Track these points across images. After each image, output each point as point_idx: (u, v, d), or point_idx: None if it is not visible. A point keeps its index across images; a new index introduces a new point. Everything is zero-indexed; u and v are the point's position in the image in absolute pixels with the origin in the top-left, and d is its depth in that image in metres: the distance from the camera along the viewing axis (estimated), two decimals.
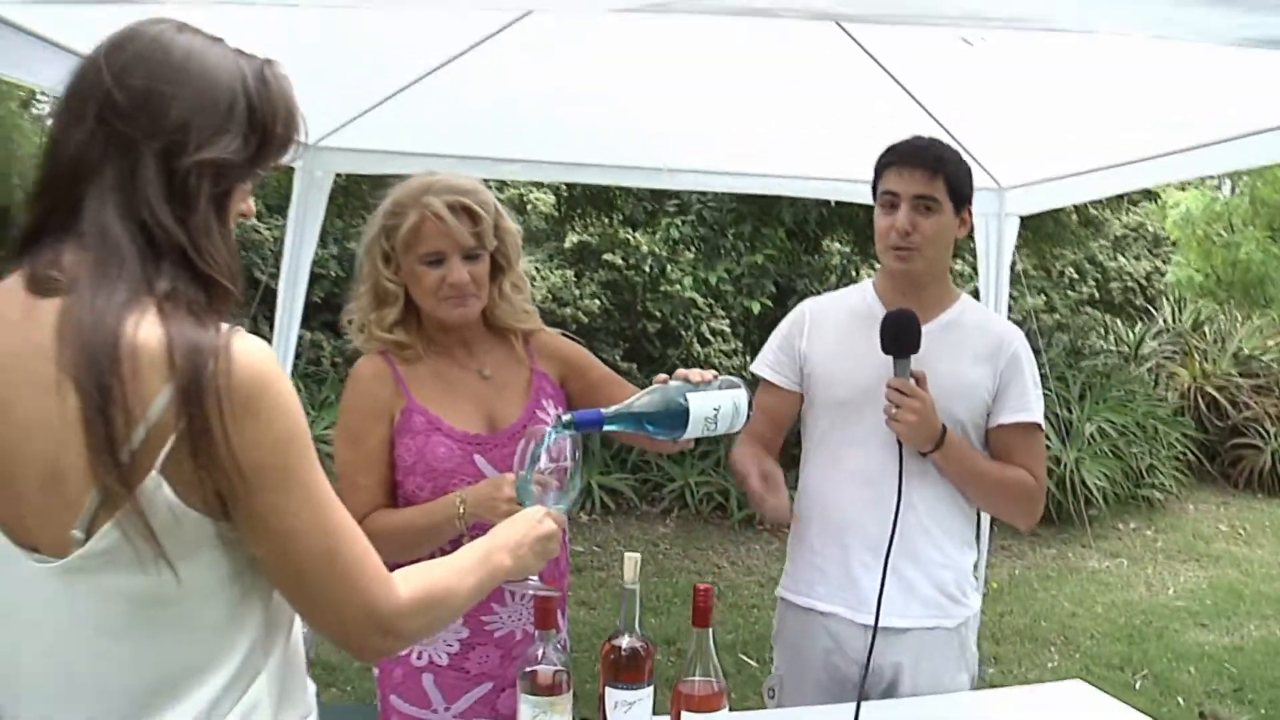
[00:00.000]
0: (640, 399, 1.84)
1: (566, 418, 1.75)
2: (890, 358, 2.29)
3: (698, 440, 1.94)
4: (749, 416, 1.92)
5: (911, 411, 2.24)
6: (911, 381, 2.27)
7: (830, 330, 2.52)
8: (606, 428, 1.80)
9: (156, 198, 1.18)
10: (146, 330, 1.13)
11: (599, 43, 3.43)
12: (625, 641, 1.83)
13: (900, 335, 2.28)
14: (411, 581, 1.34)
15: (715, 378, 1.88)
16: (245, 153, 1.24)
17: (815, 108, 4.05)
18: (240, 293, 1.25)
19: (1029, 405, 2.40)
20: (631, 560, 1.84)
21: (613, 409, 1.82)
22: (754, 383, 2.64)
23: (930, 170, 2.33)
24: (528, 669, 1.80)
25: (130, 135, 1.18)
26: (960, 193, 2.37)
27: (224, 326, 1.18)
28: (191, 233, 1.20)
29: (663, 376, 1.87)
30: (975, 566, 2.60)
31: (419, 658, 2.16)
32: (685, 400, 1.81)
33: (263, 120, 1.26)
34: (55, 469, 1.13)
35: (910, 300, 2.38)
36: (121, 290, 1.14)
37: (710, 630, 1.86)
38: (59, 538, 1.15)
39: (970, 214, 2.43)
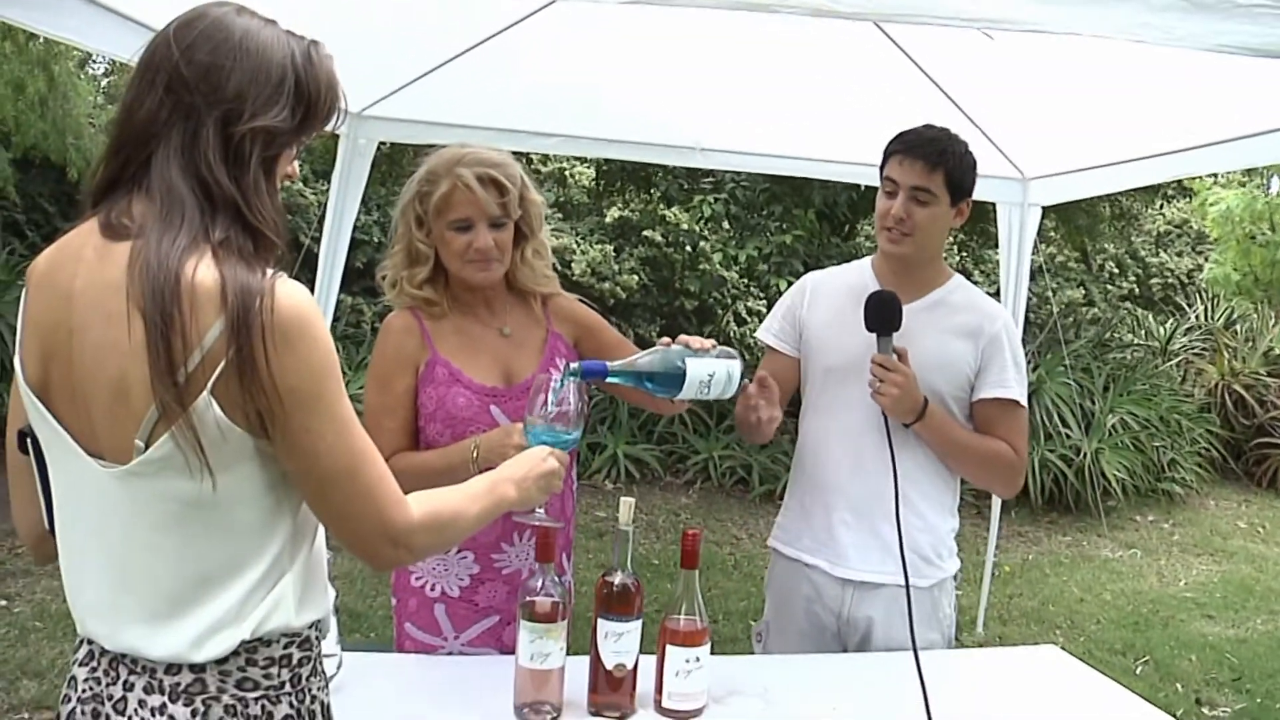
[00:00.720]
0: (643, 357, 2.01)
1: (574, 366, 1.93)
2: (875, 335, 2.44)
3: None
4: (742, 386, 2.09)
5: (894, 385, 2.39)
6: (894, 357, 2.42)
7: (827, 301, 2.68)
8: (610, 379, 1.98)
9: (215, 158, 1.35)
10: (204, 271, 1.29)
11: (635, 22, 3.55)
12: (618, 578, 1.99)
13: (882, 313, 2.43)
14: (423, 503, 1.50)
15: (714, 347, 2.06)
16: (292, 122, 1.41)
17: (844, 94, 4.16)
18: (285, 244, 1.42)
19: (1007, 382, 2.53)
20: (626, 504, 2.01)
21: (617, 363, 2.00)
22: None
23: (930, 163, 2.46)
24: (527, 598, 1.97)
25: (193, 103, 1.35)
26: (959, 186, 2.50)
27: (269, 271, 1.34)
28: (244, 190, 1.37)
29: (666, 340, 2.05)
30: (987, 550, 2.71)
31: (433, 589, 2.35)
32: (683, 364, 1.98)
33: (308, 94, 1.42)
34: (121, 387, 1.31)
35: (902, 279, 2.53)
36: (183, 237, 1.30)
37: (696, 572, 2.03)
38: (122, 447, 1.33)
39: (969, 205, 2.56)
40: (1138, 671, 5.39)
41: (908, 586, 2.33)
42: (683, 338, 2.04)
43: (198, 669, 1.38)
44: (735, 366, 2.06)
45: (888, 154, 2.55)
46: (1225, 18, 1.95)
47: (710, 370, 2.01)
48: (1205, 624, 6.17)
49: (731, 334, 11.22)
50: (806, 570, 2.60)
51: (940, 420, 2.48)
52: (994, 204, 5.09)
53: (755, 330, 12.55)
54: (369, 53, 3.87)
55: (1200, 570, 7.20)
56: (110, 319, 1.30)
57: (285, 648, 1.45)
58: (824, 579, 2.58)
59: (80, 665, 1.46)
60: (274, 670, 1.43)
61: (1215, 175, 10.94)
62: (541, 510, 1.94)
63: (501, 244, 2.29)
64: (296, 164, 1.50)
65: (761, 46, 3.76)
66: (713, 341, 2.07)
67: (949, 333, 2.54)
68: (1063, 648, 2.71)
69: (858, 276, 2.66)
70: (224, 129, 1.36)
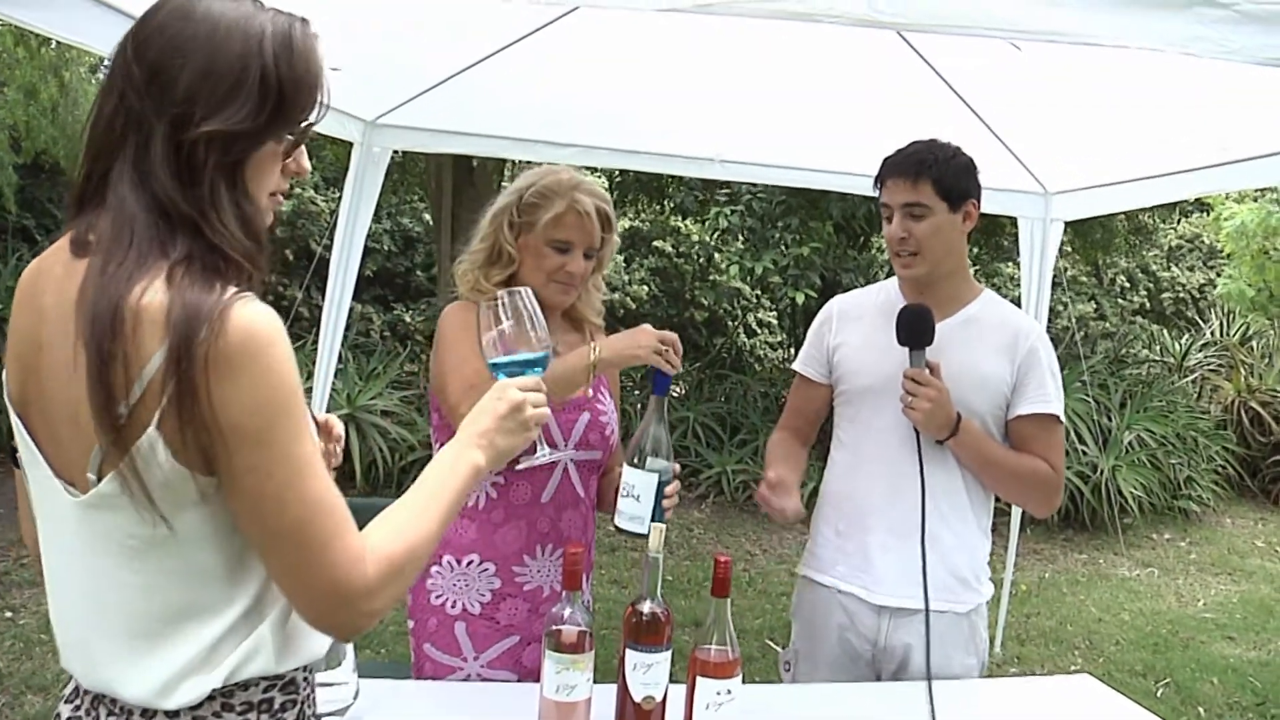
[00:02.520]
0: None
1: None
2: (907, 349, 2.39)
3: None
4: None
5: (926, 400, 2.34)
6: (926, 371, 2.36)
7: (857, 324, 2.64)
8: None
9: (165, 172, 1.23)
10: (151, 295, 1.18)
11: (655, 32, 3.50)
12: (646, 606, 1.92)
13: (914, 328, 2.38)
14: (379, 553, 1.30)
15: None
16: (257, 120, 1.26)
17: (866, 106, 4.10)
18: (263, 259, 1.30)
19: (1047, 397, 2.47)
20: (657, 530, 1.94)
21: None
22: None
23: (911, 177, 2.43)
24: (553, 627, 1.90)
25: (143, 110, 1.23)
26: (952, 190, 2.44)
27: (231, 291, 1.22)
28: (199, 204, 1.24)
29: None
30: (1005, 568, 2.66)
31: (453, 606, 2.31)
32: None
33: (277, 85, 1.27)
34: (75, 413, 1.22)
35: (929, 297, 2.48)
36: (131, 259, 1.20)
37: (729, 601, 1.95)
38: (82, 475, 1.25)
39: (976, 207, 2.50)
40: (1159, 694, 5.30)
41: (927, 610, 2.29)
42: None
43: (172, 714, 1.29)
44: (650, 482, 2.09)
45: (877, 181, 2.53)
46: (1277, 32, 1.89)
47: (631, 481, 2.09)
48: (1226, 646, 6.08)
49: (742, 345, 11.19)
50: (840, 598, 2.54)
51: (975, 436, 2.42)
52: (1013, 218, 5.03)
53: (764, 342, 12.61)
54: (384, 61, 3.83)
55: (1219, 590, 7.11)
56: (66, 341, 1.21)
57: (265, 691, 1.34)
58: (859, 606, 2.51)
59: (66, 702, 1.38)
60: (252, 716, 1.33)
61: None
62: (544, 450, 1.83)
63: (585, 273, 2.37)
64: (306, 161, 1.41)
65: (782, 57, 3.70)
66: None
67: (982, 350, 2.49)
68: (1082, 669, 2.63)
69: (885, 296, 2.62)
70: (175, 137, 1.23)
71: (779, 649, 5.35)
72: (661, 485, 2.08)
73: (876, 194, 2.55)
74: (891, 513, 2.47)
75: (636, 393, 8.39)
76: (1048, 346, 2.54)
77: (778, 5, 1.78)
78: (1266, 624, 6.47)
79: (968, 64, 3.70)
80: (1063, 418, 2.52)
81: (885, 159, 2.52)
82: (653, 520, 2.05)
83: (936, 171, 2.42)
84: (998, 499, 2.58)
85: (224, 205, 1.26)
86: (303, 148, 1.39)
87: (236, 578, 1.30)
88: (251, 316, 1.21)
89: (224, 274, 1.24)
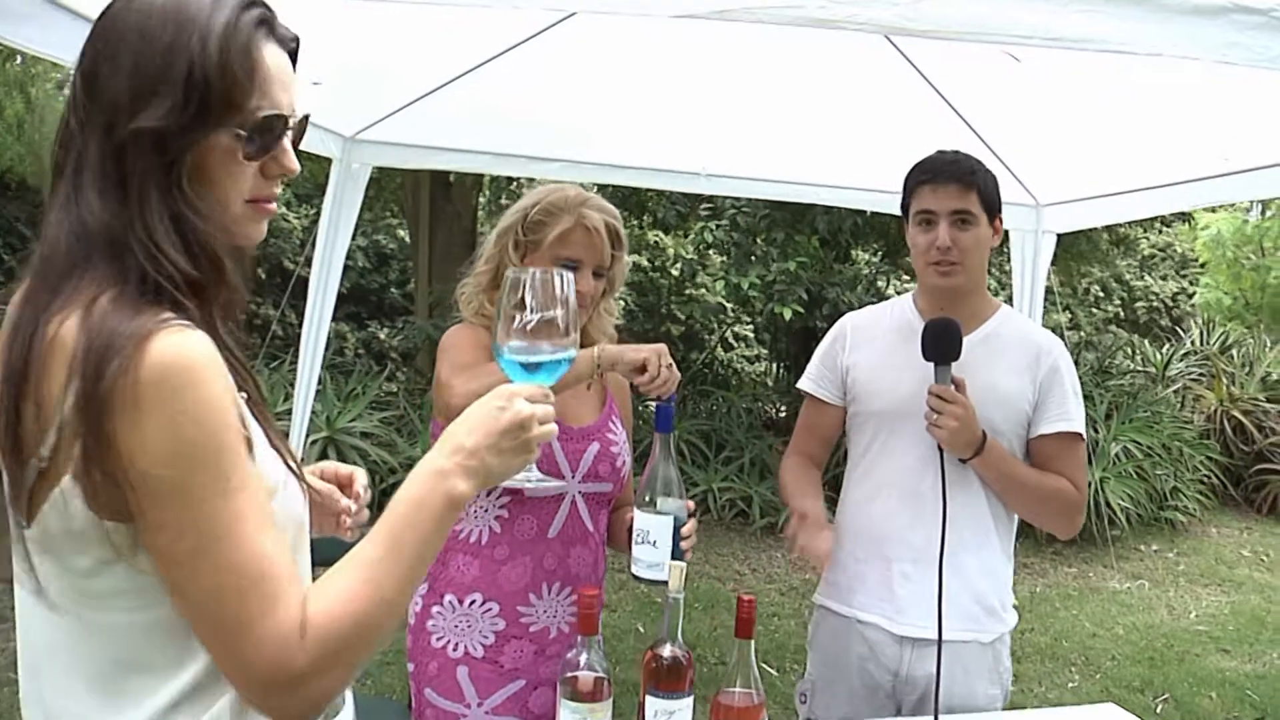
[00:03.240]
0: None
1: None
2: (931, 366, 2.29)
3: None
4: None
5: (952, 417, 2.24)
6: (952, 388, 2.27)
7: (872, 344, 2.54)
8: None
9: (94, 189, 1.11)
10: (68, 326, 1.06)
11: (640, 46, 3.43)
12: (667, 650, 1.82)
13: (941, 342, 2.28)
14: (318, 629, 1.09)
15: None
16: (185, 113, 1.11)
17: (856, 118, 4.04)
18: (217, 277, 1.16)
19: (1069, 414, 2.39)
20: (677, 569, 1.84)
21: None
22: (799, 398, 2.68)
23: (964, 184, 2.35)
24: (569, 674, 1.79)
25: (78, 123, 1.13)
26: (992, 202, 2.39)
27: (162, 318, 1.07)
28: (128, 219, 1.11)
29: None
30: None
31: (455, 649, 2.18)
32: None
33: (203, 74, 1.12)
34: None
35: (950, 313, 2.38)
36: (50, 287, 1.09)
37: (753, 642, 1.85)
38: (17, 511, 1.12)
39: (1001, 221, 2.44)
40: (1158, 710, 5.24)
41: (940, 638, 2.19)
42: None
43: None
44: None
45: (913, 185, 2.43)
46: None
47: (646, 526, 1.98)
48: (1221, 658, 6.02)
49: (718, 359, 11.11)
50: (860, 627, 2.44)
51: (1000, 455, 2.33)
52: (1007, 230, 4.97)
53: (741, 356, 12.54)
54: (363, 76, 3.72)
55: (1209, 601, 7.06)
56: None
57: None
58: (881, 636, 2.42)
59: None
60: None
61: None
62: (533, 472, 1.45)
63: (594, 293, 2.25)
64: (292, 160, 1.23)
65: (770, 68, 3.63)
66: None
67: (1003, 367, 2.41)
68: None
69: (901, 314, 2.53)
70: (104, 146, 1.11)
71: (773, 671, 5.26)
72: (677, 527, 1.98)
73: (905, 203, 2.45)
74: (913, 538, 2.38)
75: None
76: (1069, 363, 2.46)
77: (800, 12, 1.69)
78: (1259, 635, 6.43)
79: (961, 75, 3.64)
80: (1084, 435, 2.43)
81: (921, 164, 2.43)
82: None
83: (982, 181, 2.36)
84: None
85: (155, 218, 1.11)
86: (287, 145, 1.22)
87: (185, 640, 1.12)
88: (172, 349, 1.05)
89: (159, 299, 1.10)
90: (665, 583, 1.89)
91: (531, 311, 1.34)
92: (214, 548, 1.06)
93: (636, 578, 1.98)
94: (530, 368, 1.36)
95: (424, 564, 1.18)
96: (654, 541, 1.96)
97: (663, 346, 2.11)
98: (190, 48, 1.11)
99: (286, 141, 1.22)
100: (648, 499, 1.98)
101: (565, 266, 2.17)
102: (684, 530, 2.01)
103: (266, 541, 1.09)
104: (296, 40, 1.26)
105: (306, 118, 1.28)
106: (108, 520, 1.07)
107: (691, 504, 2.06)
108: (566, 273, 1.38)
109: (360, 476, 1.61)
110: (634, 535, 1.98)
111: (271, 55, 1.19)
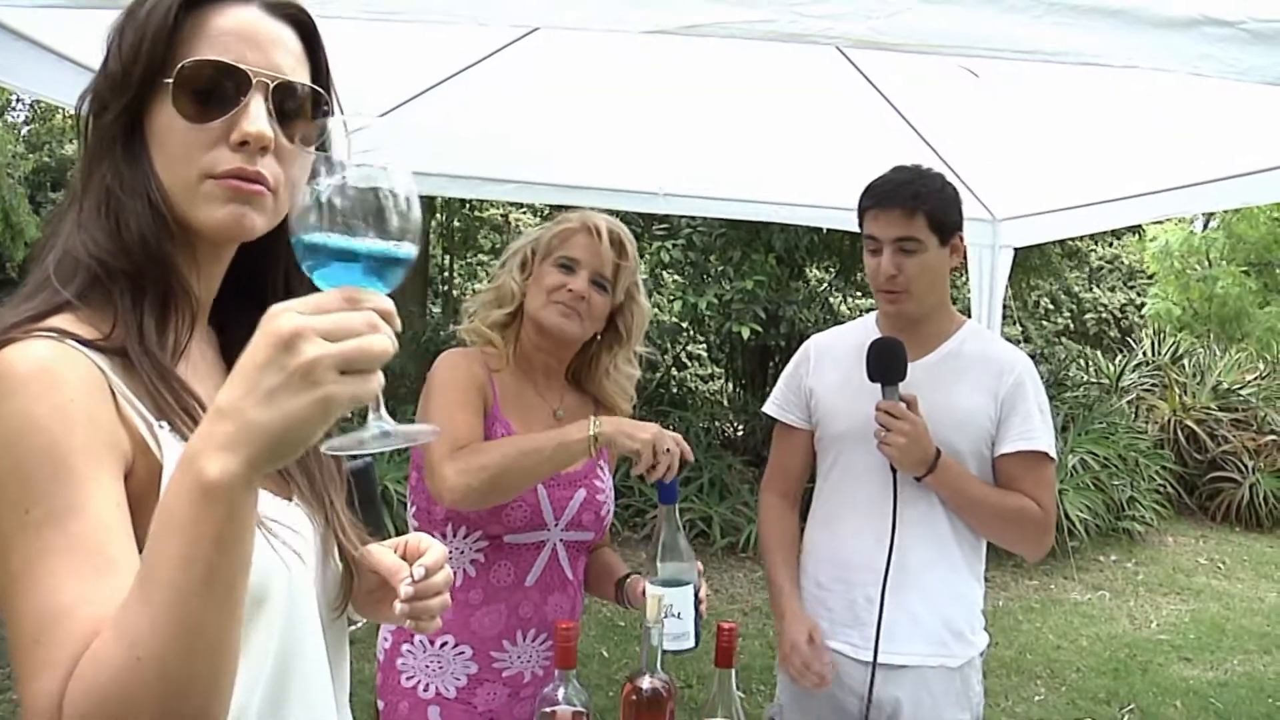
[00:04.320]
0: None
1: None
2: (880, 385, 2.26)
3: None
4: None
5: (900, 434, 2.20)
6: (901, 405, 2.23)
7: (833, 366, 2.50)
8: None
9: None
10: None
11: (595, 67, 3.39)
12: (646, 682, 1.77)
13: (884, 361, 2.26)
14: (68, 703, 0.84)
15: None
16: (111, 82, 1.05)
17: (813, 135, 4.03)
18: (131, 258, 1.04)
19: (1033, 433, 2.34)
20: (654, 598, 1.79)
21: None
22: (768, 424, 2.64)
23: (907, 210, 2.29)
24: (546, 709, 1.73)
25: None
26: (944, 224, 2.32)
27: (24, 327, 0.97)
28: (71, 206, 1.05)
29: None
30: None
31: (426, 689, 2.10)
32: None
33: (134, 36, 1.05)
34: None
35: (909, 334, 2.35)
36: (18, 296, 1.02)
37: (733, 671, 1.81)
38: None
39: (962, 239, 2.39)
40: None
41: (875, 658, 2.21)
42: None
43: None
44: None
45: (861, 210, 2.39)
46: None
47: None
48: (1183, 667, 6.05)
49: (672, 378, 11.07)
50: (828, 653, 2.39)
51: (955, 473, 2.29)
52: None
53: (695, 375, 12.50)
54: None
55: (1169, 610, 7.11)
56: None
57: None
58: (847, 662, 2.38)
59: None
60: None
61: None
62: (384, 423, 0.90)
63: (593, 304, 2.16)
64: (253, 124, 1.04)
65: (726, 86, 3.61)
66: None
67: (965, 386, 2.37)
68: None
69: (863, 334, 2.48)
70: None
71: (739, 693, 5.21)
72: (695, 591, 1.97)
73: (859, 226, 2.41)
74: (876, 562, 2.31)
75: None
76: (1035, 380, 2.41)
77: (772, 26, 1.66)
78: (1220, 643, 6.48)
79: (916, 90, 3.64)
80: (1053, 454, 2.38)
81: (870, 188, 2.37)
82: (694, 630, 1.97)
83: (930, 204, 2.29)
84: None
85: (91, 194, 1.04)
86: (252, 109, 1.04)
87: None
88: (3, 360, 0.93)
89: (79, 297, 1.01)
90: (693, 650, 1.94)
91: (335, 181, 0.87)
92: (9, 589, 0.89)
93: (666, 651, 1.90)
94: (337, 272, 0.88)
95: (190, 597, 0.81)
96: (679, 614, 1.93)
97: (659, 431, 2.00)
98: (123, 20, 1.06)
99: (254, 105, 1.05)
100: (662, 573, 1.96)
101: (561, 265, 2.14)
102: (701, 594, 2.00)
103: (68, 590, 0.88)
104: (293, 6, 1.13)
105: (308, 88, 1.11)
106: None
107: (700, 565, 2.05)
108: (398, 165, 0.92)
109: (431, 549, 1.27)
110: (650, 612, 1.84)
111: (234, 14, 1.08)
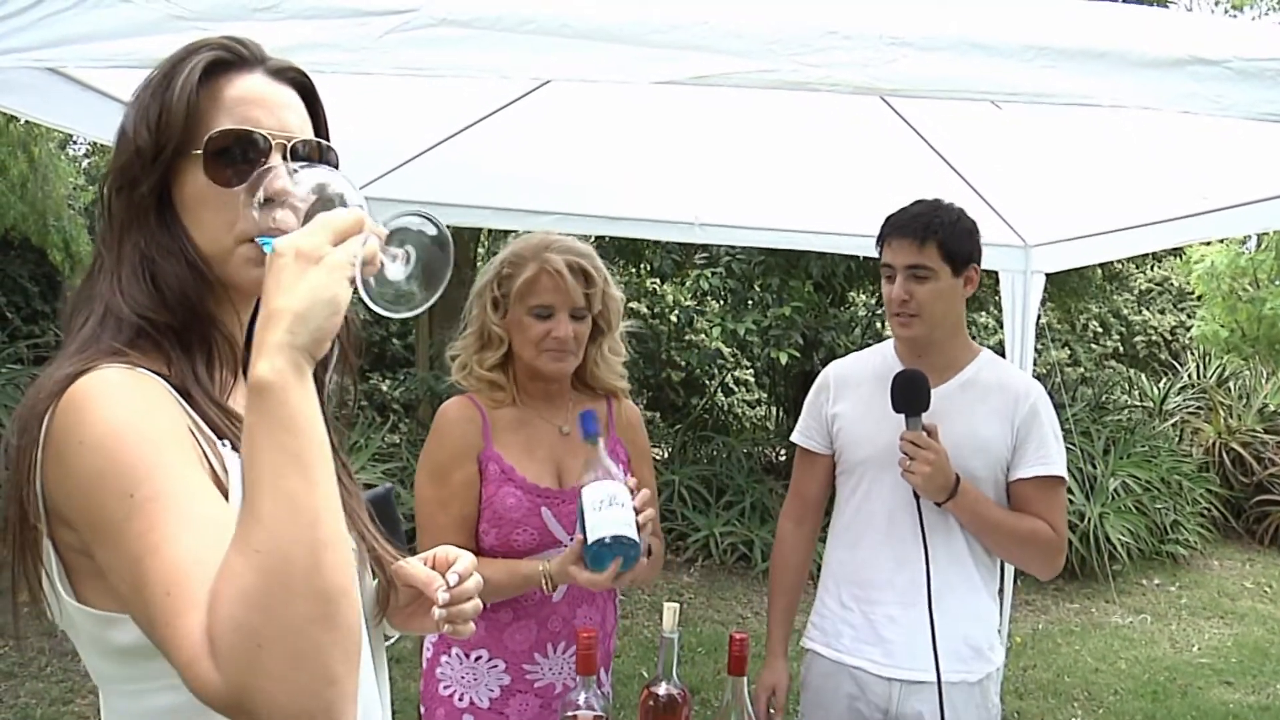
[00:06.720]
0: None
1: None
2: (902, 415, 2.37)
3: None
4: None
5: (925, 463, 2.31)
6: (924, 434, 2.34)
7: (856, 392, 2.61)
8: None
9: (96, 251, 1.14)
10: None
11: (632, 98, 3.51)
12: (663, 689, 1.88)
13: (909, 393, 2.37)
14: (214, 631, 0.90)
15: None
16: (141, 154, 1.14)
17: (845, 165, 4.12)
18: (180, 315, 1.13)
19: (1048, 458, 2.45)
20: (670, 609, 1.90)
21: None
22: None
23: (918, 240, 2.42)
24: (568, 714, 1.85)
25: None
26: (956, 254, 2.44)
27: (101, 362, 1.05)
28: (111, 264, 1.13)
29: None
30: (1000, 622, 2.63)
31: (461, 699, 2.23)
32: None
33: (157, 111, 1.15)
34: None
35: (924, 360, 2.47)
36: (66, 350, 1.10)
37: (746, 679, 1.91)
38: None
39: (977, 271, 2.50)
40: None
41: (939, 680, 2.26)
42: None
43: None
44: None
45: (879, 239, 2.52)
46: (1272, 86, 1.91)
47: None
48: (1225, 691, 6.03)
49: (719, 404, 11.17)
50: (849, 669, 2.50)
51: (974, 498, 2.40)
52: (996, 271, 5.05)
53: (742, 400, 12.58)
54: (362, 135, 3.80)
55: (1212, 634, 7.07)
56: None
57: None
58: (869, 677, 2.48)
59: None
60: None
61: None
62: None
63: (579, 336, 2.24)
64: (279, 183, 1.08)
65: (760, 119, 3.71)
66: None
67: (981, 413, 2.47)
68: None
69: (881, 362, 2.60)
70: (103, 207, 1.17)
71: (772, 711, 5.27)
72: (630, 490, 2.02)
73: (878, 254, 2.53)
74: (897, 582, 2.45)
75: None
76: (1048, 407, 2.52)
77: (774, 76, 1.78)
78: (1263, 667, 6.44)
79: (945, 121, 3.72)
80: (1065, 477, 2.49)
81: (888, 218, 2.51)
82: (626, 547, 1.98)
83: (943, 234, 2.42)
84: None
85: (127, 263, 1.13)
86: (279, 170, 1.10)
87: None
88: (89, 381, 1.02)
89: (129, 346, 1.10)
90: (636, 552, 1.96)
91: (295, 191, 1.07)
92: (134, 569, 0.97)
93: (604, 541, 1.96)
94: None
95: (280, 480, 0.91)
96: (621, 503, 1.97)
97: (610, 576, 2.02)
98: (143, 97, 1.16)
99: (279, 166, 1.11)
100: (587, 474, 2.02)
101: (538, 315, 2.20)
102: (636, 502, 2.02)
103: (184, 544, 0.96)
104: (292, 69, 1.24)
105: (315, 142, 1.22)
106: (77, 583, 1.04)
107: (633, 480, 2.08)
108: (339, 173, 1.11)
109: (461, 562, 1.36)
110: (589, 508, 1.97)
111: (243, 83, 1.18)
